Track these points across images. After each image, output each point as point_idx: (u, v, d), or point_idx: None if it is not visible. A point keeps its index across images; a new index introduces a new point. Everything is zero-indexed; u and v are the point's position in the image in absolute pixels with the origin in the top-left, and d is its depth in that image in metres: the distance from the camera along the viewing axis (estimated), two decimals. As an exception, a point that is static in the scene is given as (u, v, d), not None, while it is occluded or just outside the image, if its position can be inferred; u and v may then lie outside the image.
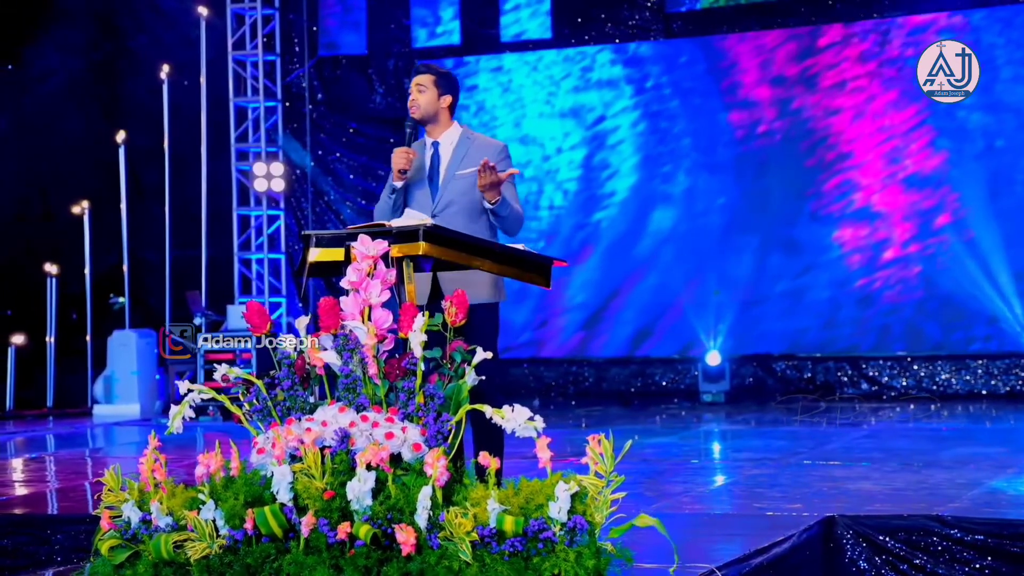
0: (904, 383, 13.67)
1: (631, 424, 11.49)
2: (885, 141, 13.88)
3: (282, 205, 15.31)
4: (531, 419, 4.32)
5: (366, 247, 4.58)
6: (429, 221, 4.79)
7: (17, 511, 6.72)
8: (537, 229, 15.08)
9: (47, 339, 14.50)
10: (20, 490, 7.75)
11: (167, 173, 14.42)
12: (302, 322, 4.70)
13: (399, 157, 5.36)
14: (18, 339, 14.42)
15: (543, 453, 4.31)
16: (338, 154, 15.90)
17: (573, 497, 4.18)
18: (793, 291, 14.11)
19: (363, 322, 4.51)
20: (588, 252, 14.95)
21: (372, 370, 4.49)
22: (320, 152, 15.89)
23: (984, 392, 13.38)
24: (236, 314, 13.41)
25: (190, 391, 4.70)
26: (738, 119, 14.46)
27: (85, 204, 14.65)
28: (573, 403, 14.15)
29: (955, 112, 13.25)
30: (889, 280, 13.77)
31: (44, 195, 16.47)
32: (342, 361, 4.53)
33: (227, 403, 4.74)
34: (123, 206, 14.52)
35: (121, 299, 14.55)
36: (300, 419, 4.49)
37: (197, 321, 13.55)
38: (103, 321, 14.96)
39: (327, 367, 4.60)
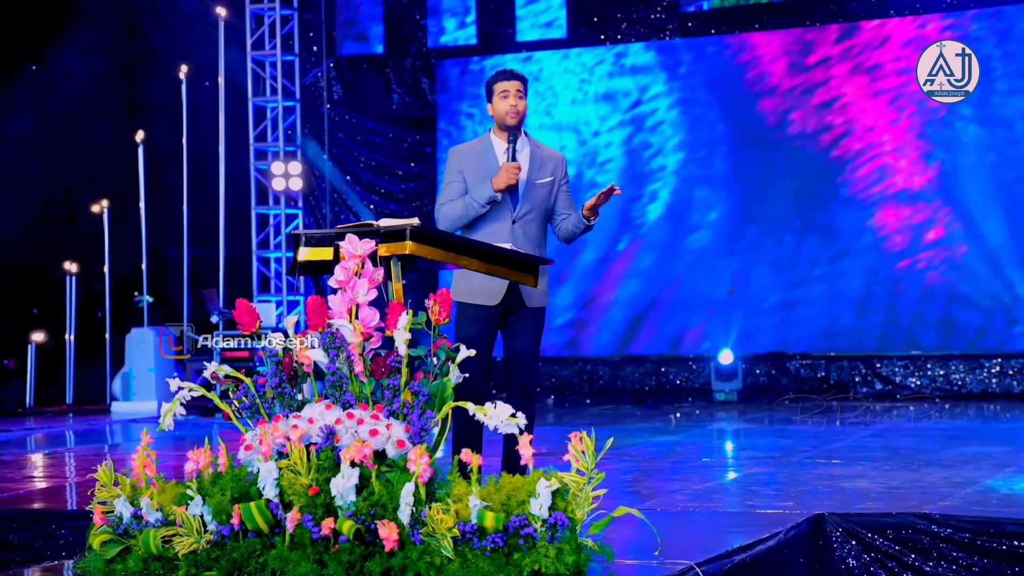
0: (918, 382, 13.65)
1: (641, 422, 11.52)
2: (910, 130, 13.87)
3: (300, 204, 15.41)
4: (513, 416, 4.38)
5: (353, 246, 4.64)
6: (416, 221, 4.84)
7: (27, 506, 6.79)
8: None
9: (67, 337, 14.63)
10: (33, 485, 7.84)
11: (185, 172, 14.54)
12: (291, 320, 4.77)
13: (512, 173, 5.49)
14: (39, 337, 14.56)
15: (525, 450, 4.37)
16: (356, 153, 15.99)
17: (554, 494, 4.23)
18: (809, 289, 14.11)
19: (350, 320, 4.57)
20: (611, 249, 14.99)
21: (358, 368, 4.55)
22: (338, 151, 15.98)
23: (998, 391, 13.35)
24: (253, 312, 13.49)
25: (180, 388, 4.78)
26: (768, 108, 14.46)
27: (105, 203, 14.77)
28: (588, 401, 14.20)
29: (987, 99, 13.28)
30: (907, 278, 13.76)
31: (68, 194, 16.62)
32: (328, 359, 4.59)
33: (217, 400, 4.82)
34: (142, 205, 14.64)
35: (148, 297, 14.66)
36: (288, 416, 4.55)
37: (214, 319, 13.65)
38: (126, 319, 15.08)
39: (317, 365, 4.67)
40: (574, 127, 15.30)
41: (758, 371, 14.18)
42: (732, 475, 7.54)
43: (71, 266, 14.65)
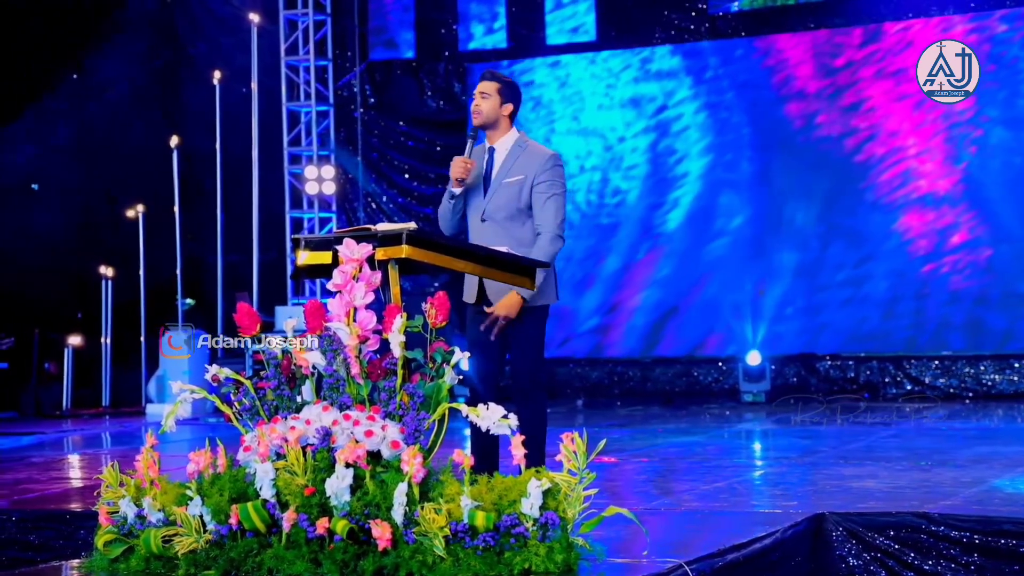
0: (947, 383, 13.58)
1: (668, 423, 11.55)
2: (939, 133, 13.82)
3: (334, 208, 15.54)
4: (504, 417, 4.44)
5: (351, 250, 4.72)
6: (413, 226, 4.91)
7: (49, 507, 6.90)
8: (608, 214, 15.22)
9: (102, 340, 14.81)
10: (59, 486, 7.96)
11: (219, 177, 14.69)
12: (290, 324, 4.86)
13: (457, 167, 5.59)
14: (75, 340, 14.74)
15: (517, 451, 4.44)
16: (388, 156, 16.09)
17: (545, 493, 4.29)
18: (840, 288, 14.08)
19: (347, 324, 4.64)
20: (640, 250, 15.03)
21: (355, 370, 4.63)
22: (371, 155, 16.09)
23: (1028, 392, 13.30)
24: (285, 315, 13.63)
25: (182, 391, 4.89)
26: (795, 111, 14.45)
27: (140, 208, 14.93)
28: (618, 403, 14.22)
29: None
30: (936, 278, 13.70)
31: (111, 200, 16.79)
32: (326, 361, 4.67)
33: (218, 403, 4.92)
34: (176, 209, 14.80)
35: (189, 300, 14.81)
36: (286, 418, 4.64)
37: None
38: (163, 321, 15.19)
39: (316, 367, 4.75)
40: (600, 132, 15.39)
41: (787, 372, 14.16)
42: (744, 475, 7.56)
43: (107, 270, 14.83)
